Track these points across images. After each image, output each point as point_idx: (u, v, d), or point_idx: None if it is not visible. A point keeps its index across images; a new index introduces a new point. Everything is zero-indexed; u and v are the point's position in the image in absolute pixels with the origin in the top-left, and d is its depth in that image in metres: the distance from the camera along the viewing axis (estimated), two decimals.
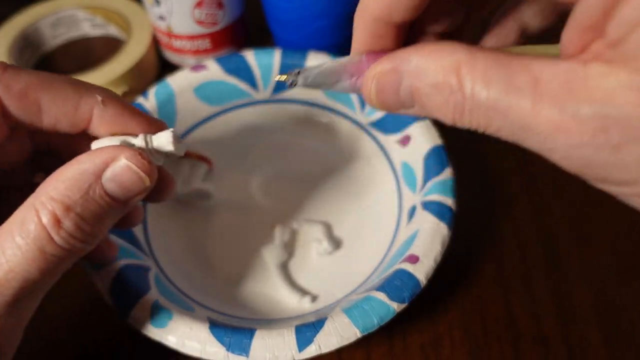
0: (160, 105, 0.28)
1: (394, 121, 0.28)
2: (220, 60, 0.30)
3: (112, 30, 0.40)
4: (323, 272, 0.27)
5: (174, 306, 0.22)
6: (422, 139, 0.26)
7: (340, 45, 0.35)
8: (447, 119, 0.13)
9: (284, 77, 0.16)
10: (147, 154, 0.17)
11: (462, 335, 0.25)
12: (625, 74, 0.10)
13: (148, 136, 0.18)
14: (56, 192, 0.15)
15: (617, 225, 0.29)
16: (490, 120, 0.12)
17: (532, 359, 0.25)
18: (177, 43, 0.35)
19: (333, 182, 0.31)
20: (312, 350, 0.20)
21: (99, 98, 0.17)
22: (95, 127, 0.18)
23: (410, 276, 0.22)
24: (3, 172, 0.19)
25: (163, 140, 0.18)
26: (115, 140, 0.17)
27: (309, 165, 0.31)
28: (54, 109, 0.17)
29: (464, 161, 0.27)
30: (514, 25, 0.17)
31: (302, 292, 0.26)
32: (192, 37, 0.34)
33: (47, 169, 0.20)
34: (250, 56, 0.30)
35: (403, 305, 0.21)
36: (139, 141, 0.17)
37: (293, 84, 0.15)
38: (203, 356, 0.20)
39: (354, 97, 0.30)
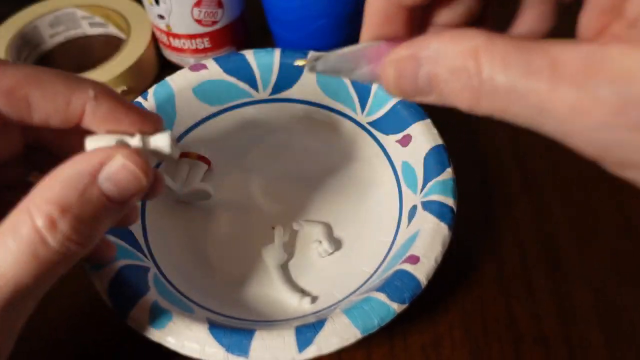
0: (160, 104, 0.28)
1: (394, 121, 0.28)
2: (219, 60, 0.30)
3: (111, 29, 0.40)
4: (323, 272, 0.27)
5: (173, 307, 0.22)
6: (423, 139, 0.26)
7: (340, 44, 0.34)
8: (464, 104, 0.13)
9: (303, 62, 0.15)
10: (144, 154, 0.17)
11: (463, 335, 0.25)
12: None
13: (145, 137, 0.17)
14: (51, 194, 0.15)
15: (617, 225, 0.29)
16: (508, 104, 0.12)
17: (533, 359, 0.25)
18: (177, 42, 0.35)
19: (333, 183, 0.30)
20: (312, 351, 0.20)
21: (92, 93, 0.17)
22: (89, 122, 0.17)
23: (410, 277, 0.22)
24: None
25: (160, 143, 0.17)
26: (110, 139, 0.17)
27: (309, 165, 0.31)
28: (44, 105, 0.17)
29: (464, 161, 0.27)
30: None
31: (302, 293, 0.26)
32: (191, 36, 0.34)
33: (42, 167, 0.19)
34: (250, 56, 0.30)
35: (403, 306, 0.21)
36: (135, 141, 0.17)
37: (312, 69, 0.15)
38: (202, 357, 0.20)
39: (354, 97, 0.30)
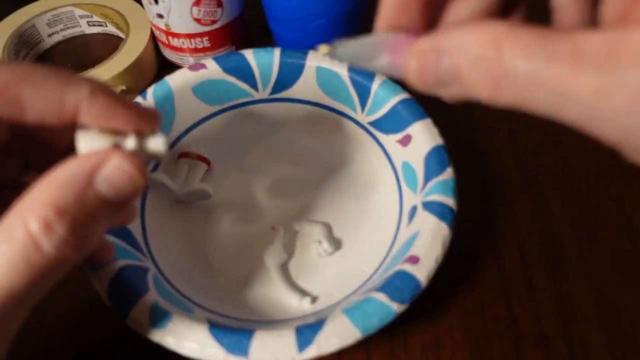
0: (159, 104, 0.28)
1: (394, 121, 0.28)
2: (219, 59, 0.30)
3: (110, 28, 0.40)
4: (323, 273, 0.27)
5: (173, 307, 0.21)
6: (423, 139, 0.26)
7: None
8: (486, 94, 0.13)
9: (325, 50, 0.15)
10: (140, 156, 0.17)
11: (463, 335, 0.25)
12: None
13: (139, 139, 0.17)
14: (47, 196, 0.14)
15: (617, 225, 0.29)
16: (530, 92, 0.12)
17: (533, 359, 0.24)
18: (176, 41, 0.35)
19: (333, 183, 0.30)
20: (312, 351, 0.20)
21: (87, 90, 0.16)
22: (84, 120, 0.17)
23: (411, 277, 0.22)
24: None
25: (155, 146, 0.17)
26: (104, 139, 0.17)
27: (309, 165, 0.31)
28: (37, 103, 0.16)
29: (464, 161, 0.27)
30: None
31: (302, 293, 0.26)
32: (190, 36, 0.34)
33: (39, 166, 0.19)
34: (249, 55, 0.30)
35: (404, 306, 0.21)
36: (130, 143, 0.17)
37: (333, 56, 0.15)
38: (202, 357, 0.20)
39: (354, 97, 0.30)
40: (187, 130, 0.30)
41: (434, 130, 0.27)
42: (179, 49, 0.35)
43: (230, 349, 0.20)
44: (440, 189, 0.24)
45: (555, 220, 0.29)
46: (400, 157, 0.28)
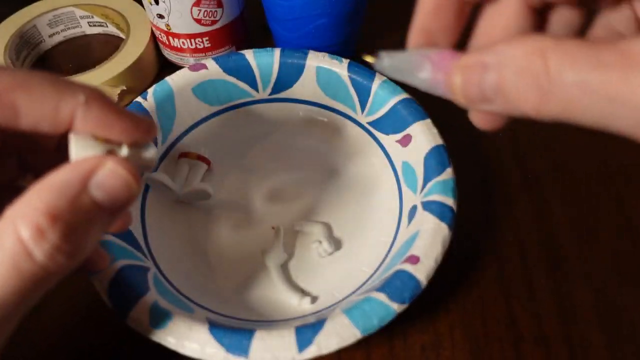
0: (159, 104, 0.28)
1: (394, 121, 0.28)
2: (219, 60, 0.30)
3: (111, 29, 0.40)
4: (323, 272, 0.27)
5: (173, 307, 0.21)
6: (423, 139, 0.26)
7: (340, 43, 0.34)
8: (531, 106, 0.12)
9: (371, 58, 0.15)
10: (134, 162, 0.17)
11: (463, 335, 0.25)
12: None
13: (132, 149, 0.17)
14: (40, 202, 0.14)
15: (617, 225, 0.29)
16: (579, 102, 0.12)
17: (533, 359, 0.24)
18: (176, 42, 0.35)
19: (333, 182, 0.30)
20: (312, 351, 0.20)
21: (82, 97, 0.16)
22: (79, 128, 0.17)
23: (410, 277, 0.22)
24: None
25: (147, 154, 0.17)
26: (98, 146, 0.16)
27: (309, 165, 0.31)
28: (32, 110, 0.16)
29: (464, 161, 0.27)
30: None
31: (302, 293, 0.26)
32: (191, 36, 0.34)
33: (35, 169, 0.19)
34: (249, 55, 0.30)
35: (404, 306, 0.21)
36: (123, 151, 0.17)
37: (379, 65, 0.15)
38: (202, 357, 0.20)
39: (354, 97, 0.30)
40: (187, 130, 0.30)
41: (434, 130, 0.27)
42: (179, 49, 0.35)
43: (230, 348, 0.20)
44: (440, 189, 0.24)
45: (555, 220, 0.29)
46: (400, 157, 0.28)
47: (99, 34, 0.40)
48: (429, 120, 0.27)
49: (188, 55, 0.36)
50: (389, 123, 0.28)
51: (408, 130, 0.27)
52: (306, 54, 0.30)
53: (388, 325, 0.21)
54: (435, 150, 0.26)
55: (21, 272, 0.14)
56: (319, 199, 0.30)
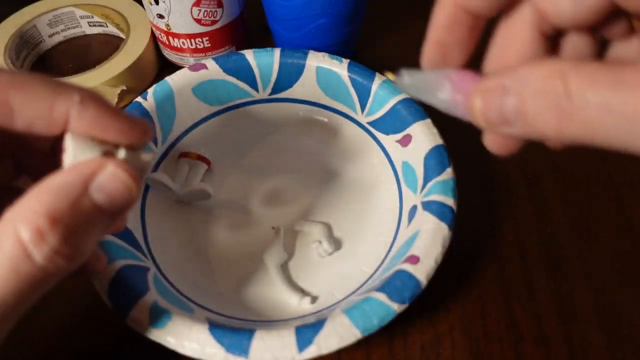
0: (159, 104, 0.28)
1: (394, 121, 0.28)
2: (219, 60, 0.30)
3: (111, 29, 0.40)
4: (323, 272, 0.27)
5: (173, 307, 0.21)
6: (423, 139, 0.26)
7: (340, 43, 0.34)
8: (552, 128, 0.12)
9: (392, 76, 0.16)
10: (134, 166, 0.17)
11: (463, 335, 0.25)
12: None
13: (129, 152, 0.17)
14: (41, 204, 0.14)
15: (617, 225, 0.29)
16: (599, 123, 0.12)
17: (533, 359, 0.24)
18: (176, 42, 0.35)
19: (333, 182, 0.30)
20: (312, 351, 0.20)
21: (77, 97, 0.16)
22: (75, 129, 0.16)
23: (410, 277, 0.22)
24: None
25: (144, 157, 0.17)
26: (94, 146, 0.16)
27: (309, 165, 0.31)
28: (26, 109, 0.16)
29: (464, 161, 0.27)
30: None
31: (302, 293, 0.26)
32: (191, 36, 0.34)
33: (30, 170, 0.19)
34: (249, 55, 0.30)
35: (403, 306, 0.21)
36: (120, 153, 0.17)
37: (400, 84, 0.15)
38: (202, 357, 0.20)
39: (354, 97, 0.30)
40: (187, 130, 0.30)
41: (434, 130, 0.27)
42: (180, 49, 0.35)
43: (230, 348, 0.20)
44: (440, 189, 0.24)
45: (555, 220, 0.29)
46: (400, 157, 0.28)
47: (99, 34, 0.40)
48: (429, 120, 0.27)
49: (188, 55, 0.36)
50: (389, 123, 0.28)
51: (408, 130, 0.27)
52: (306, 54, 0.30)
53: (388, 325, 0.21)
54: (435, 150, 0.26)
55: (20, 273, 0.14)
56: (319, 199, 0.30)
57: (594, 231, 0.29)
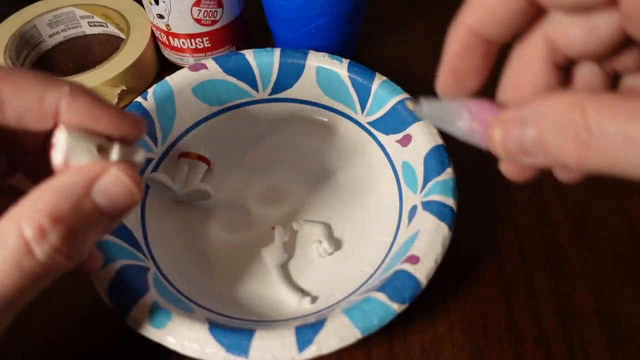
0: (159, 104, 0.28)
1: (394, 121, 0.28)
2: (219, 60, 0.30)
3: (111, 29, 0.40)
4: (323, 272, 0.27)
5: (173, 307, 0.21)
6: (423, 139, 0.26)
7: (340, 43, 0.34)
8: (573, 160, 0.12)
9: (411, 105, 0.16)
10: (137, 169, 0.17)
11: (463, 335, 0.25)
12: None
13: (123, 147, 0.17)
14: (43, 204, 0.15)
15: (617, 225, 0.29)
16: (620, 154, 0.12)
17: (533, 359, 0.24)
18: (176, 42, 0.35)
19: (333, 182, 0.30)
20: (312, 351, 0.20)
21: (67, 89, 0.16)
22: (65, 121, 0.17)
23: (410, 277, 0.22)
24: None
25: (138, 156, 0.17)
26: (89, 139, 0.16)
27: (309, 165, 0.31)
28: (17, 101, 0.16)
29: (464, 161, 0.27)
30: None
31: (302, 292, 0.26)
32: (191, 36, 0.34)
33: (24, 168, 0.19)
34: (249, 55, 0.30)
35: (403, 306, 0.21)
36: (114, 153, 0.17)
37: (420, 113, 0.16)
38: (202, 357, 0.20)
39: (354, 97, 0.30)
40: (187, 130, 0.30)
41: (434, 130, 0.27)
42: (180, 49, 0.35)
43: (230, 348, 0.20)
44: (440, 189, 0.24)
45: (555, 220, 0.29)
46: (400, 157, 0.28)
47: (99, 34, 0.40)
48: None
49: (188, 55, 0.36)
50: (389, 123, 0.28)
51: (408, 130, 0.27)
52: (306, 54, 0.30)
53: (388, 325, 0.21)
54: (435, 150, 0.26)
55: (22, 268, 0.14)
56: (319, 199, 0.30)
57: (594, 231, 0.29)
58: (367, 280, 0.25)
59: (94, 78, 0.33)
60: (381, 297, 0.21)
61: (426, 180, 0.25)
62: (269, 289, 0.26)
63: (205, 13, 0.33)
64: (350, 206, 0.29)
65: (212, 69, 0.29)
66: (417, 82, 0.34)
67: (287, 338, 0.20)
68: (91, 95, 0.17)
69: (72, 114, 0.16)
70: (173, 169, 0.29)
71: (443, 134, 0.27)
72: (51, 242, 0.15)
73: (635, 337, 0.25)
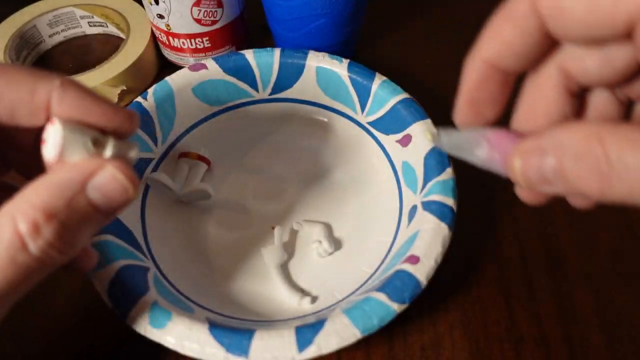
0: (159, 104, 0.28)
1: (394, 121, 0.28)
2: (219, 60, 0.30)
3: (111, 29, 0.40)
4: (323, 272, 0.27)
5: (173, 307, 0.21)
6: (423, 139, 0.26)
7: (340, 43, 0.34)
8: (594, 191, 0.13)
9: (430, 135, 0.16)
10: (132, 166, 0.17)
11: (463, 336, 0.25)
12: None
13: (117, 142, 0.17)
14: (38, 199, 0.15)
15: (617, 225, 0.29)
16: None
17: (533, 359, 0.24)
18: (176, 42, 0.35)
19: (333, 182, 0.30)
20: (312, 351, 0.20)
21: (57, 82, 0.16)
22: (57, 113, 0.17)
23: (410, 277, 0.22)
24: None
25: (132, 153, 0.17)
26: (84, 131, 0.16)
27: (309, 165, 0.31)
28: (8, 94, 0.16)
29: (464, 161, 0.27)
30: None
31: (302, 292, 0.26)
32: (191, 36, 0.34)
33: (17, 165, 0.19)
34: (249, 55, 0.30)
35: (403, 306, 0.21)
36: (109, 151, 0.17)
37: (439, 143, 0.16)
38: (202, 357, 0.20)
39: (354, 97, 0.30)
40: (187, 130, 0.30)
41: (434, 131, 0.27)
42: (179, 49, 0.35)
43: (230, 348, 0.20)
44: (440, 189, 0.24)
45: (555, 221, 0.29)
46: (400, 157, 0.28)
47: (99, 34, 0.40)
48: (429, 120, 0.27)
49: (188, 55, 0.36)
50: (389, 123, 0.29)
51: (408, 130, 0.27)
52: (306, 54, 0.30)
53: (388, 325, 0.21)
54: (435, 150, 0.26)
55: (16, 262, 0.15)
56: (319, 199, 0.30)
57: (594, 231, 0.29)
58: (367, 280, 0.25)
59: (94, 78, 0.33)
60: (381, 297, 0.21)
61: (426, 180, 0.25)
62: (269, 289, 0.26)
63: (205, 13, 0.33)
64: (350, 206, 0.29)
65: (212, 69, 0.29)
66: (417, 82, 0.34)
67: (287, 338, 0.20)
68: (82, 88, 0.17)
69: (64, 107, 0.16)
70: (173, 169, 0.29)
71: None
72: (45, 238, 0.15)
73: (635, 337, 0.25)
